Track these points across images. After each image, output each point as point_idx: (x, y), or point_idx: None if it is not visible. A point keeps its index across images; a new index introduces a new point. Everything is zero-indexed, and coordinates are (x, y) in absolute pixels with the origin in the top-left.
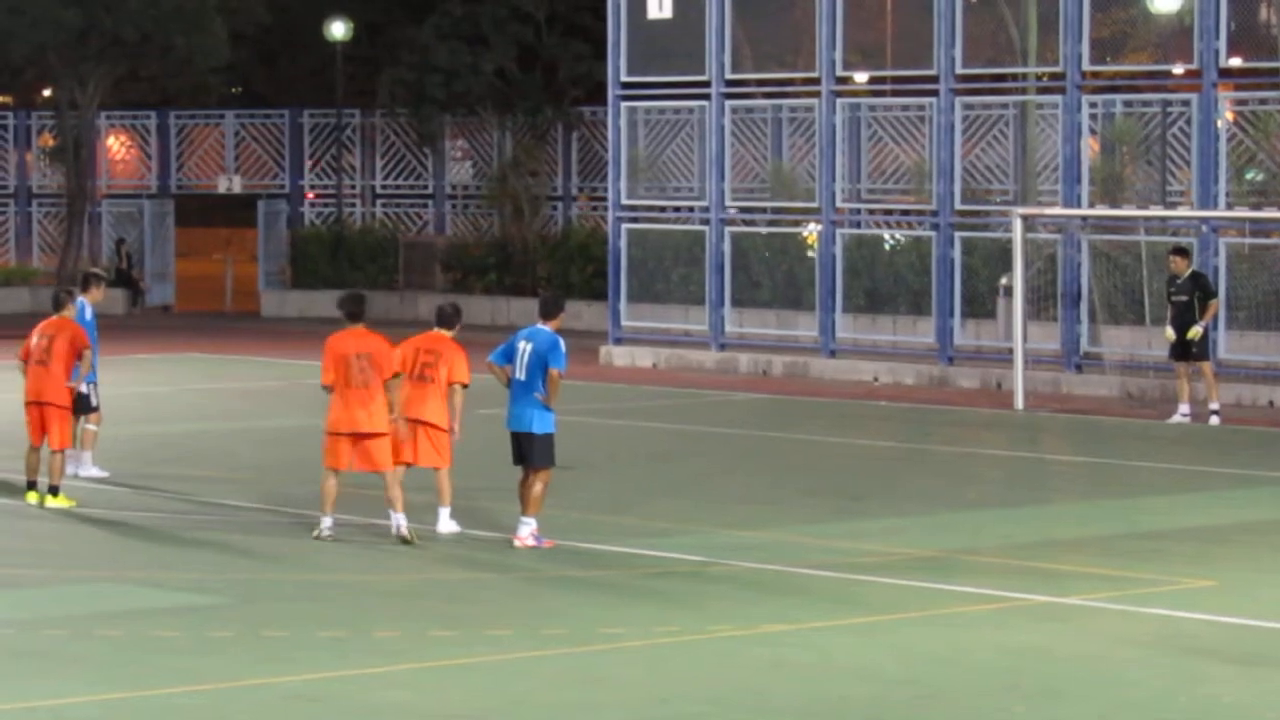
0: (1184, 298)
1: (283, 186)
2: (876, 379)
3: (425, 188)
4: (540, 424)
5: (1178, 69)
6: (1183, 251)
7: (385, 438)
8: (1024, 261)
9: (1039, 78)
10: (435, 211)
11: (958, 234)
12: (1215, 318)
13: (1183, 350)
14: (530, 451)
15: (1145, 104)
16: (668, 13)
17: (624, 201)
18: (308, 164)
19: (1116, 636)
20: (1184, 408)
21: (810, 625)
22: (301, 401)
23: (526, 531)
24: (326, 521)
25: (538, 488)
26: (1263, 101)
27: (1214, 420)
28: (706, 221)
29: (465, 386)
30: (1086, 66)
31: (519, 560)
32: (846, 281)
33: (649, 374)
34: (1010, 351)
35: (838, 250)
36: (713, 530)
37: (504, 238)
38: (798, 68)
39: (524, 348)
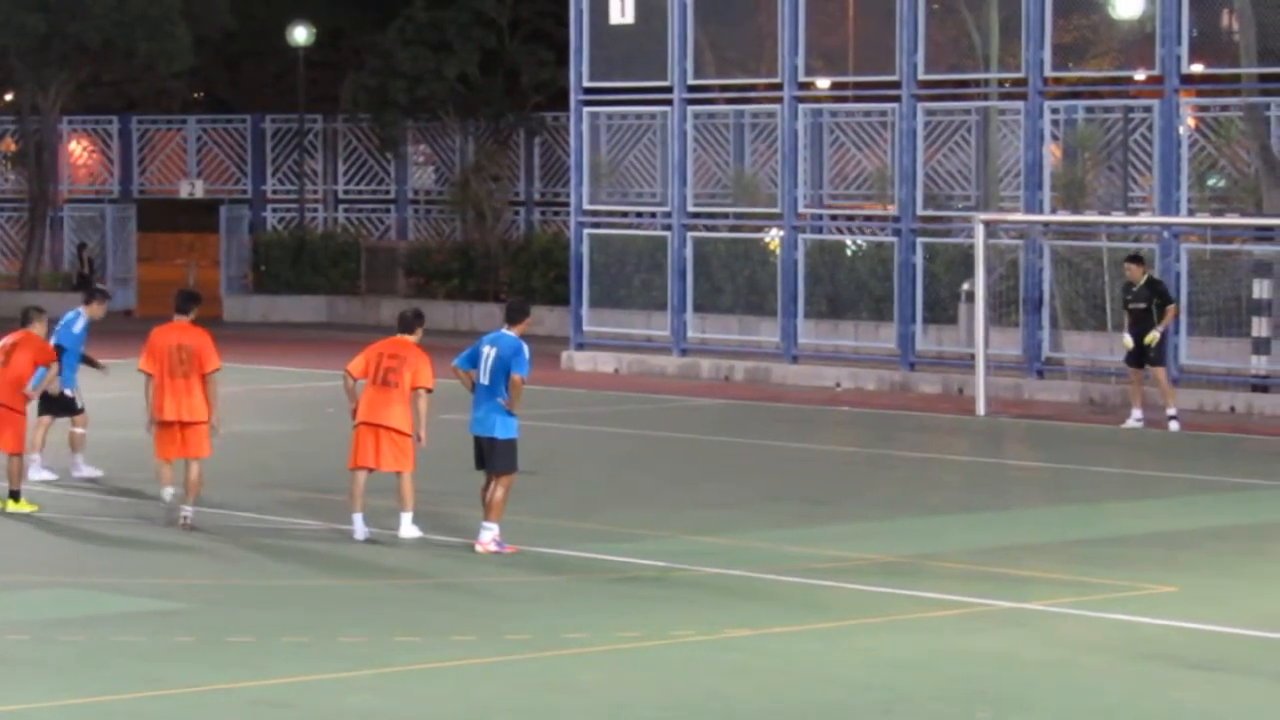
0: (1141, 305)
1: (245, 192)
2: (839, 384)
3: (388, 193)
4: (503, 429)
5: (1140, 75)
6: (1138, 259)
7: (204, 426)
8: (986, 267)
9: (1001, 83)
10: (397, 216)
11: (920, 239)
12: (1176, 323)
13: (1139, 356)
14: (492, 456)
15: (1107, 110)
16: (630, 18)
17: (586, 207)
18: (270, 169)
19: (1080, 642)
20: (1137, 413)
21: (773, 630)
22: (262, 406)
23: (488, 537)
24: (167, 494)
25: (499, 493)
26: (1224, 108)
27: (1173, 426)
28: (669, 227)
29: (429, 391)
30: (1048, 72)
31: (482, 566)
32: (808, 287)
33: (611, 379)
34: (972, 357)
35: (800, 256)
36: (675, 535)
37: (466, 243)
38: (760, 73)
39: (488, 352)
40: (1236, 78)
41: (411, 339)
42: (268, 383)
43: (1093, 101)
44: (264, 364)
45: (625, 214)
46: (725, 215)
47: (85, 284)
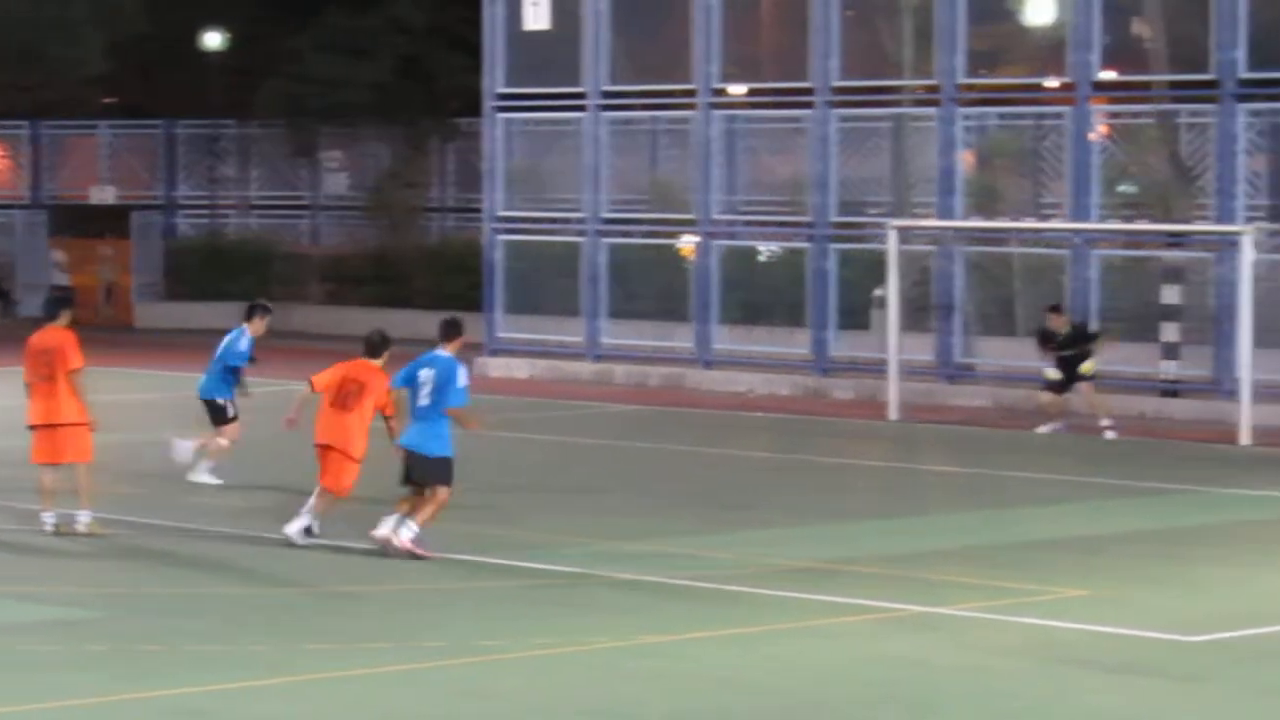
0: (1071, 351)
1: (157, 197)
2: (751, 390)
3: (302, 199)
4: (439, 447)
5: (1052, 82)
6: (1057, 309)
7: (76, 429)
8: (899, 273)
9: (915, 90)
10: (312, 223)
11: (833, 246)
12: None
13: (1065, 385)
14: (426, 471)
15: (1020, 117)
16: (546, 25)
17: (501, 213)
18: (183, 175)
19: (992, 646)
20: (1058, 424)
21: (688, 636)
22: (176, 414)
23: (408, 536)
24: (47, 517)
25: (431, 506)
26: (1136, 115)
27: (1109, 435)
28: (584, 233)
29: (389, 416)
30: (962, 80)
31: (398, 573)
32: (723, 293)
33: (525, 385)
34: (885, 362)
35: (715, 262)
36: (591, 541)
37: (381, 249)
38: (675, 80)
39: (425, 375)
40: (1148, 85)
41: (376, 363)
42: (180, 390)
43: (1006, 109)
44: (176, 370)
45: (541, 220)
46: (640, 222)
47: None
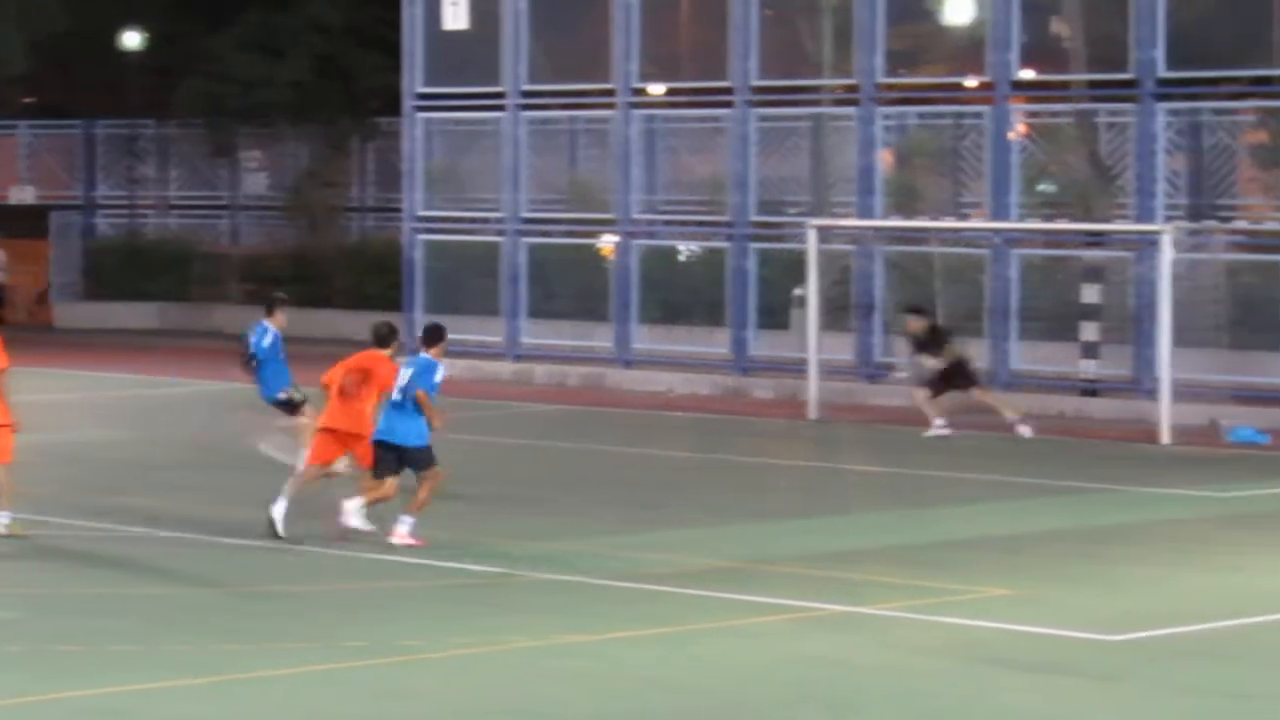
0: (932, 354)
1: (77, 198)
2: (671, 389)
3: (221, 199)
4: (415, 437)
5: (971, 82)
6: (918, 310)
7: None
8: (819, 273)
9: (834, 90)
10: (231, 222)
11: (753, 245)
12: (1006, 329)
13: (944, 384)
14: (408, 461)
15: (939, 116)
16: (465, 24)
17: (421, 213)
18: (102, 175)
19: (913, 646)
20: (939, 421)
21: (608, 636)
22: (97, 414)
23: (405, 530)
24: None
25: (423, 491)
26: (1055, 114)
27: (1025, 431)
28: (503, 233)
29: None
30: (881, 79)
31: (320, 573)
32: (643, 293)
33: (445, 385)
34: (805, 362)
35: (634, 261)
36: (511, 542)
37: (300, 249)
38: (595, 79)
39: (403, 374)
40: (1066, 84)
41: (385, 352)
42: (100, 389)
43: (925, 108)
44: (96, 371)
45: (460, 220)
46: (560, 221)
47: None
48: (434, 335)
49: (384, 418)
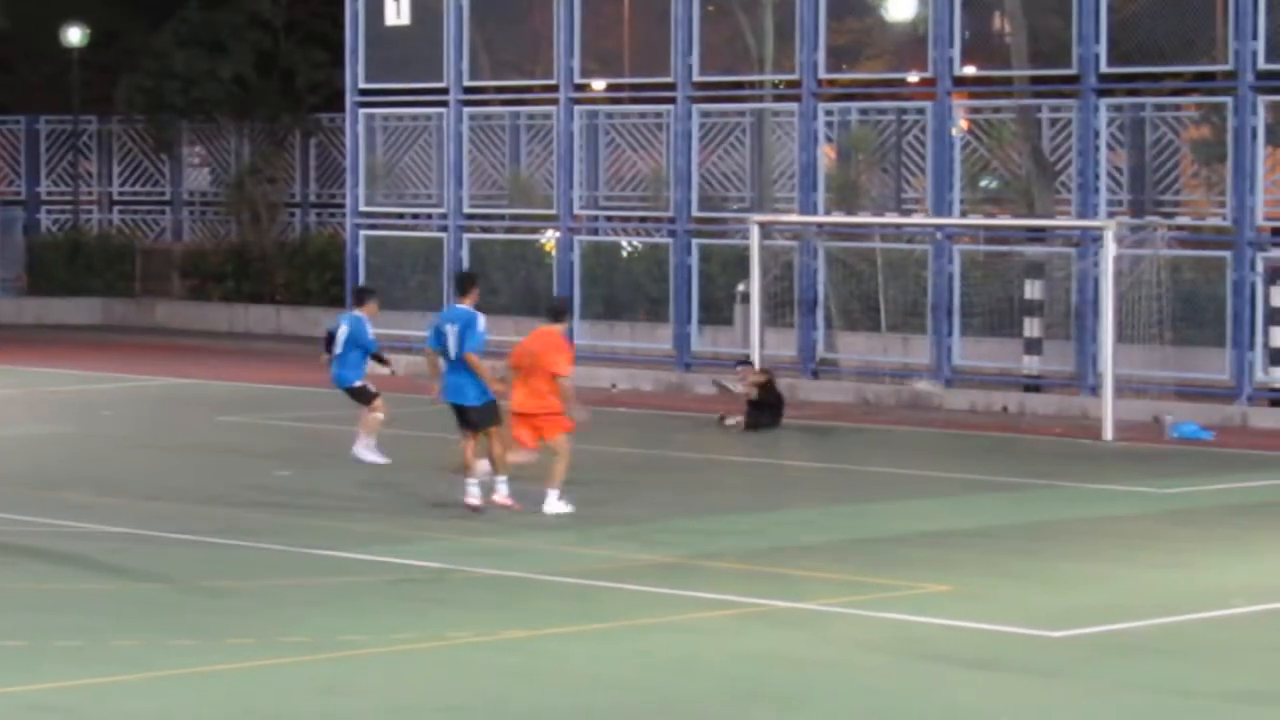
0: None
1: (19, 193)
2: (614, 385)
3: (163, 194)
4: (477, 395)
5: (913, 77)
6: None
7: None
8: (761, 268)
9: (776, 85)
10: (173, 218)
11: (695, 241)
12: (948, 325)
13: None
14: (471, 418)
15: (881, 112)
16: (406, 20)
17: (362, 208)
18: (44, 170)
19: (854, 641)
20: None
21: (549, 632)
22: (41, 408)
23: (504, 491)
24: None
25: (496, 447)
26: (996, 110)
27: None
28: (445, 228)
29: (563, 377)
30: (823, 74)
31: (263, 569)
32: (585, 288)
33: (385, 381)
34: (747, 358)
35: (576, 257)
36: (453, 537)
37: (242, 245)
38: (536, 75)
39: (450, 330)
40: (1008, 80)
41: (557, 328)
42: (42, 385)
43: (867, 104)
44: (38, 366)
45: (401, 216)
46: (501, 217)
47: None
48: (467, 282)
49: (448, 375)
